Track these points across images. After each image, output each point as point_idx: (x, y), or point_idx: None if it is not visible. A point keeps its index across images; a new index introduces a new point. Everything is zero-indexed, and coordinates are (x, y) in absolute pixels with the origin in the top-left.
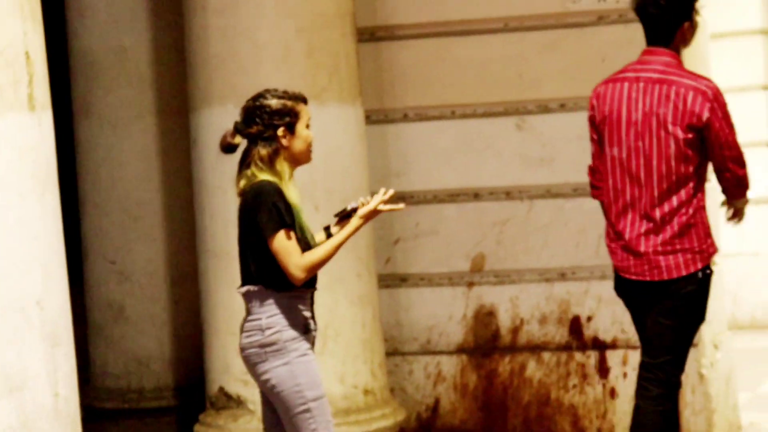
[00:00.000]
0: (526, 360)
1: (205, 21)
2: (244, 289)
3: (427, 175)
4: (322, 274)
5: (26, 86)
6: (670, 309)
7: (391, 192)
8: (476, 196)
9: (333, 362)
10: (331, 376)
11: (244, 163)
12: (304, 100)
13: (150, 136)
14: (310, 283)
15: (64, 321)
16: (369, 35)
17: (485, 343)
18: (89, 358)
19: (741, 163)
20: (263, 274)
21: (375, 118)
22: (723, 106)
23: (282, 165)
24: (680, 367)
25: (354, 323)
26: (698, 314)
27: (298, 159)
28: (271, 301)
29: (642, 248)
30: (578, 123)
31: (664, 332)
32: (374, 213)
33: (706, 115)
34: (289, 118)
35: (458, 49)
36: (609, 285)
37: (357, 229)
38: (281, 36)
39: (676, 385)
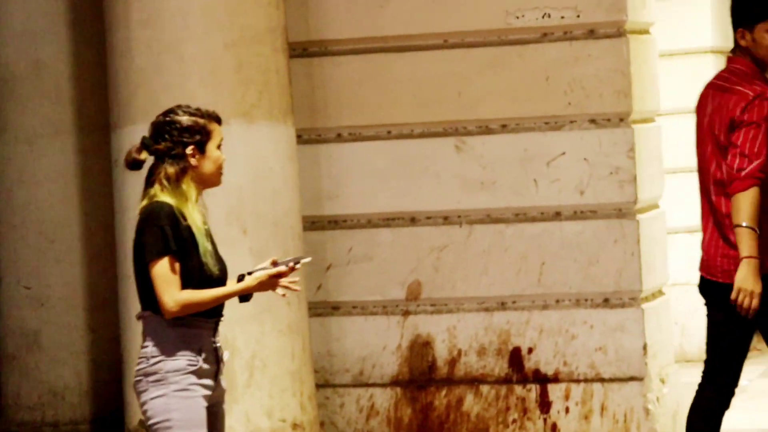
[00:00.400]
0: (464, 393)
1: (129, 34)
2: (138, 314)
3: (361, 198)
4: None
5: None
6: (726, 313)
7: (297, 267)
8: (413, 220)
9: (260, 395)
10: (257, 409)
11: (149, 182)
12: (218, 120)
13: (68, 155)
14: (214, 312)
15: None
16: (301, 50)
17: (421, 375)
18: (1, 389)
19: (732, 172)
20: (151, 300)
21: (307, 137)
22: (760, 109)
23: (189, 185)
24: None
25: (282, 354)
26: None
27: (207, 181)
28: (160, 328)
29: (711, 251)
30: (520, 144)
31: (718, 333)
32: (270, 283)
33: (737, 113)
34: (199, 136)
35: (395, 66)
36: (551, 315)
37: (246, 289)
38: (208, 50)
39: (731, 389)
